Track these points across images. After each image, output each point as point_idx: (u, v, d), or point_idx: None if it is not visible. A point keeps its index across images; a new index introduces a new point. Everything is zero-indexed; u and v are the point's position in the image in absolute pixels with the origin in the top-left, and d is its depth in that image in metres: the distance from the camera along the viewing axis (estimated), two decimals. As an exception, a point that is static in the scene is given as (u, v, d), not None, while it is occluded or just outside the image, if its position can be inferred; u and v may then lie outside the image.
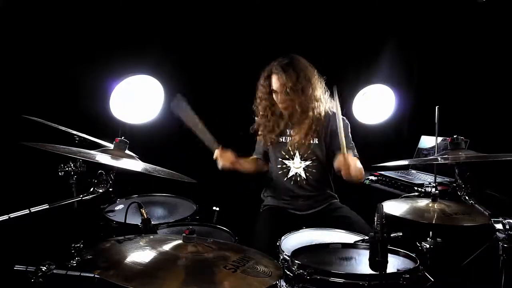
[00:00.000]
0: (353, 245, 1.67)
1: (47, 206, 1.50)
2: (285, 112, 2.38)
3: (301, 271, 1.41)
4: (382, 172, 3.01)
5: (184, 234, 1.32)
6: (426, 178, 2.83)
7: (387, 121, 3.29)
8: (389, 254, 1.27)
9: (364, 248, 1.62)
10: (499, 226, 1.42)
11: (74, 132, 2.04)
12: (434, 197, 1.94)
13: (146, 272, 1.17)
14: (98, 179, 1.65)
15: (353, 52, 3.34)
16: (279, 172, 2.42)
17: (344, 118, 2.34)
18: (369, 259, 1.26)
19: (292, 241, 1.82)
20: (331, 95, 2.41)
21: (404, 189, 2.70)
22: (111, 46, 2.79)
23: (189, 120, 2.23)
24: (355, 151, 2.33)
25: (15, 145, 1.70)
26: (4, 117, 2.49)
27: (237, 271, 1.21)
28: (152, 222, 1.67)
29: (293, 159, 2.40)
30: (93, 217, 2.17)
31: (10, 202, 1.55)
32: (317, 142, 2.37)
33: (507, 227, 1.39)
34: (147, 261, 1.21)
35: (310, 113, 2.32)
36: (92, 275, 1.48)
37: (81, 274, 1.51)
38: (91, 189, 1.64)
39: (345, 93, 2.84)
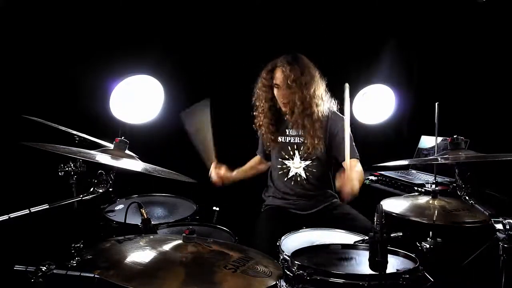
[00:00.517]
0: (353, 246, 1.67)
1: (47, 206, 1.50)
2: (285, 109, 2.37)
3: (301, 271, 1.41)
4: (382, 172, 3.01)
5: (184, 234, 1.32)
6: (426, 178, 2.82)
7: (387, 121, 3.29)
8: (389, 254, 1.27)
9: (364, 249, 1.62)
10: (499, 226, 1.42)
11: (74, 132, 2.05)
12: (434, 194, 1.95)
13: (146, 272, 1.17)
14: (98, 179, 1.65)
15: (353, 52, 3.34)
16: (280, 172, 2.43)
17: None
18: (369, 260, 1.26)
19: (292, 241, 1.82)
20: (332, 96, 2.41)
21: (404, 189, 2.70)
22: (111, 46, 2.79)
23: (201, 127, 2.19)
24: (357, 153, 2.31)
25: (15, 145, 1.70)
26: (4, 117, 2.49)
27: (237, 271, 1.21)
28: (152, 222, 1.67)
29: (292, 159, 2.40)
30: (93, 217, 2.17)
31: (10, 202, 1.55)
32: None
33: (507, 227, 1.39)
34: (147, 261, 1.21)
35: (315, 111, 2.30)
36: (92, 275, 1.48)
37: (81, 274, 1.51)
38: (91, 189, 1.64)
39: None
